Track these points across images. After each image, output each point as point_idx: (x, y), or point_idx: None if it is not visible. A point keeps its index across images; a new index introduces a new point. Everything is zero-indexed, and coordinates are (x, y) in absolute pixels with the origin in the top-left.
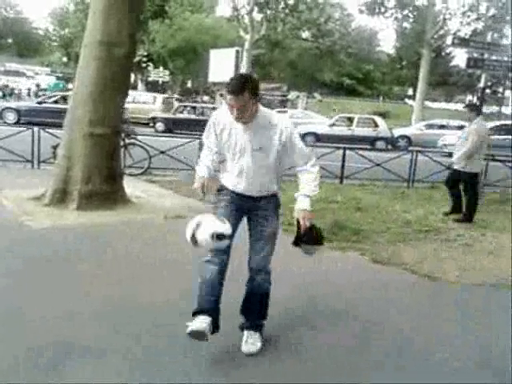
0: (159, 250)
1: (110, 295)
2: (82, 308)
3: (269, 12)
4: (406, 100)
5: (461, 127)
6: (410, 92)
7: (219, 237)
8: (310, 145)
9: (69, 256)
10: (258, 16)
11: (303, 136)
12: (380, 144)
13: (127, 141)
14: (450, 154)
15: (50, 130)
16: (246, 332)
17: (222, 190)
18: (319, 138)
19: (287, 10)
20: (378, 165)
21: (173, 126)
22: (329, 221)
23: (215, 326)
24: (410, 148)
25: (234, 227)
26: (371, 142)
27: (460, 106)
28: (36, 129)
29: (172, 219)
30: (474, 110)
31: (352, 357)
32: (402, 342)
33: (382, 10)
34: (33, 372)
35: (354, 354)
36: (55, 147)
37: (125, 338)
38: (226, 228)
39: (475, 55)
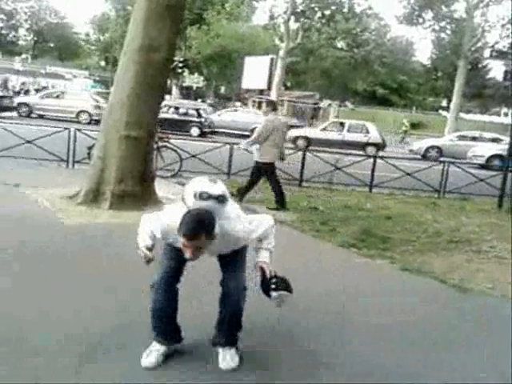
0: None
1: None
2: (108, 302)
3: (305, 21)
4: (440, 111)
5: (494, 139)
6: (445, 103)
7: (202, 196)
8: (301, 147)
9: (99, 253)
10: (294, 25)
11: (294, 139)
12: (370, 150)
13: (160, 144)
14: (482, 166)
15: (86, 131)
16: (221, 349)
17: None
18: (310, 142)
19: (324, 20)
20: (408, 174)
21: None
22: (358, 228)
23: (177, 340)
24: (442, 159)
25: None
26: (362, 147)
27: (495, 119)
28: (72, 129)
29: None
30: (270, 105)
31: (384, 370)
32: (430, 353)
33: (420, 20)
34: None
35: (386, 367)
36: (90, 148)
37: None
38: (212, 188)
39: None
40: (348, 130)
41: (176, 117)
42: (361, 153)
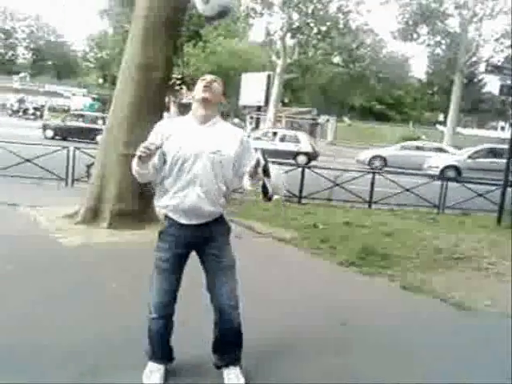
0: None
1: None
2: (108, 328)
3: (301, 37)
4: (437, 126)
5: (439, 149)
6: (441, 118)
7: None
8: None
9: (98, 274)
10: (290, 41)
11: None
12: (301, 159)
13: None
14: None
15: (85, 150)
16: (225, 370)
17: (162, 232)
18: None
19: (320, 36)
20: (407, 190)
21: (63, 134)
22: (357, 245)
23: (170, 359)
24: (386, 169)
25: (180, 269)
26: (293, 156)
27: (492, 133)
28: (71, 148)
29: None
30: (181, 107)
31: None
32: (430, 373)
33: (415, 36)
34: None
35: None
36: (89, 166)
37: None
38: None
39: (508, 82)
40: (280, 140)
41: (83, 125)
42: (292, 162)
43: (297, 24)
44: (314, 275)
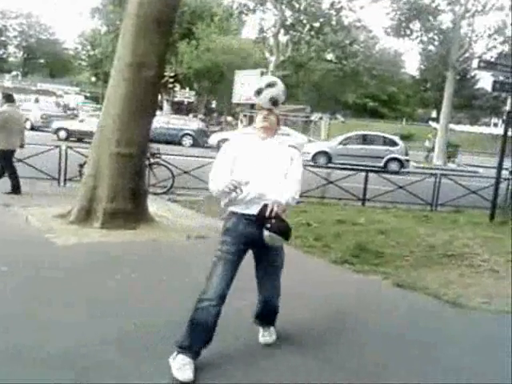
0: (181, 270)
1: (129, 315)
2: (106, 329)
3: (294, 34)
4: (430, 122)
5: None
6: (434, 114)
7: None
8: None
9: (91, 274)
10: (283, 38)
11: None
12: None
13: (152, 160)
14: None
15: (78, 149)
16: (261, 328)
17: (227, 228)
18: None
19: (313, 33)
20: (400, 187)
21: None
22: (351, 243)
23: (207, 340)
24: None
25: (239, 261)
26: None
27: (485, 129)
28: (64, 147)
29: (194, 239)
30: (5, 98)
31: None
32: (423, 371)
33: (408, 32)
34: None
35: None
36: (82, 166)
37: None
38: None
39: (501, 78)
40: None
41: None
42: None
43: (290, 21)
44: (307, 273)
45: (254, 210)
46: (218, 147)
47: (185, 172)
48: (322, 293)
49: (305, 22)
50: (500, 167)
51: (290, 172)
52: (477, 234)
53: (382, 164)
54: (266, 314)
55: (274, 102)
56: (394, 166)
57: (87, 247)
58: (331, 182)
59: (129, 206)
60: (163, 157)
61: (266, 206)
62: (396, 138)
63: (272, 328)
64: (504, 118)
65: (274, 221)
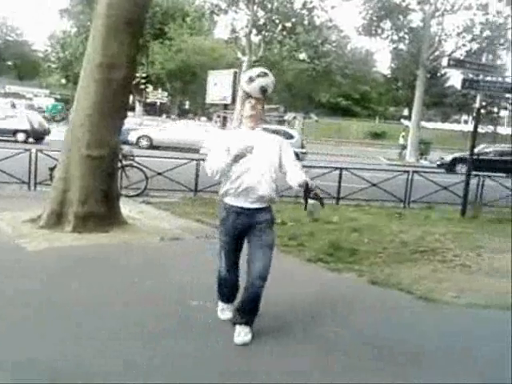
0: (154, 272)
1: (103, 317)
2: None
3: (266, 34)
4: (402, 120)
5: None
6: (406, 112)
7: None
8: None
9: (63, 279)
10: (255, 38)
11: None
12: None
13: (124, 162)
14: None
15: (48, 152)
16: (238, 327)
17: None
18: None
19: (285, 33)
20: (374, 185)
21: None
22: (325, 242)
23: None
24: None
25: (237, 246)
26: (13, 133)
27: (456, 126)
28: (33, 150)
29: (168, 241)
30: None
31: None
32: (398, 366)
33: (379, 31)
34: None
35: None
36: (52, 169)
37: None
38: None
39: (470, 76)
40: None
41: None
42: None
43: (262, 21)
44: (282, 272)
45: (242, 203)
46: (137, 143)
47: (158, 173)
48: (296, 291)
49: (277, 21)
50: (471, 163)
51: (290, 161)
52: (449, 229)
53: None
54: (247, 303)
55: (264, 91)
56: None
57: (58, 251)
58: None
59: (101, 208)
60: (136, 159)
61: (307, 183)
62: (293, 132)
63: (249, 328)
64: (474, 115)
65: (314, 192)
